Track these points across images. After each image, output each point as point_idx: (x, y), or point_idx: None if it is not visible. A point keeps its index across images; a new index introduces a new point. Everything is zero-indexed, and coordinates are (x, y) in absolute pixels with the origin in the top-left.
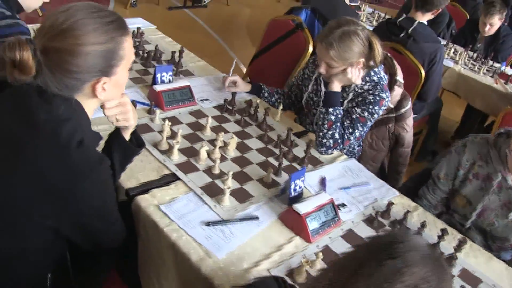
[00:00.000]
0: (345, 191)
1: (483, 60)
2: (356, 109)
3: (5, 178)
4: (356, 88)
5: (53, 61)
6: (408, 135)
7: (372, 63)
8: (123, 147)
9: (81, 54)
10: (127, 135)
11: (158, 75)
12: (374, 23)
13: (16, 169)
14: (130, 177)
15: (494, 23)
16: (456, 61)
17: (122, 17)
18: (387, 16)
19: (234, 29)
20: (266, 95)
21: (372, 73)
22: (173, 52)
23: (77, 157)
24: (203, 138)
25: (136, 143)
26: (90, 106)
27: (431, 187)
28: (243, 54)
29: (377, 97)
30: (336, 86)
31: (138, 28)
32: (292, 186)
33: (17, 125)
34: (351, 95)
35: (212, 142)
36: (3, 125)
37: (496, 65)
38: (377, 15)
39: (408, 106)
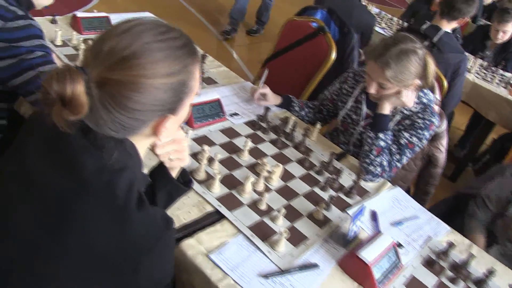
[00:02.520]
0: (398, 228)
1: (493, 68)
2: (404, 133)
3: (47, 250)
4: (403, 110)
5: (110, 96)
6: (442, 156)
7: (422, 83)
8: (169, 187)
9: (148, 88)
10: (174, 172)
11: None
12: (383, 25)
13: (61, 239)
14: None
15: (508, 30)
16: (469, 69)
17: (189, 37)
18: (395, 18)
19: (226, 18)
20: (297, 108)
21: (421, 94)
22: None
23: (140, 223)
24: (241, 163)
25: (183, 181)
26: (144, 146)
27: (481, 206)
28: (239, 48)
29: (427, 121)
30: (387, 109)
31: None
32: (351, 227)
33: (59, 178)
34: (398, 118)
35: (251, 167)
36: (42, 178)
37: (507, 74)
38: (384, 16)
39: (444, 125)
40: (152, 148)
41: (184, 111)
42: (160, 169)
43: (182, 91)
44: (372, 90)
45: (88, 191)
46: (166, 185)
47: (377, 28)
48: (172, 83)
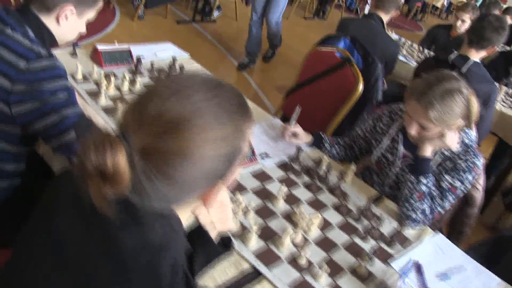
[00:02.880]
0: (446, 282)
1: None
2: (445, 176)
3: None
4: (443, 151)
5: (155, 167)
6: (478, 195)
7: (465, 123)
8: (208, 249)
9: (198, 158)
10: (213, 233)
11: None
12: (404, 52)
13: None
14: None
15: None
16: None
17: (240, 93)
18: (415, 45)
19: (243, 46)
20: (327, 146)
21: (463, 134)
22: None
23: None
24: (276, 211)
25: (222, 242)
26: (187, 214)
27: None
28: (256, 74)
29: (470, 164)
30: (429, 151)
31: (174, 59)
32: (399, 285)
33: (96, 257)
34: (438, 159)
35: (287, 216)
36: (76, 256)
37: None
38: (405, 43)
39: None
40: (193, 211)
41: (233, 174)
42: (199, 230)
43: (233, 156)
44: (413, 131)
45: (128, 273)
46: (205, 247)
47: (399, 56)
48: (224, 149)
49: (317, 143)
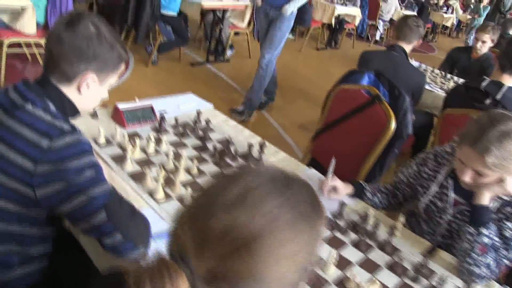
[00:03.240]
0: None
1: None
2: (507, 223)
3: None
4: (501, 195)
5: None
6: None
7: None
8: None
9: (273, 278)
10: None
11: None
12: (428, 79)
13: None
14: None
15: None
16: None
17: (309, 184)
18: (436, 70)
19: None
20: (369, 195)
21: None
22: (251, 146)
23: None
24: (328, 278)
25: None
26: None
27: None
28: (276, 112)
29: None
30: (487, 199)
31: (199, 113)
32: None
33: None
34: (496, 205)
35: (341, 283)
36: None
37: None
38: (426, 70)
39: None
40: None
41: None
42: None
43: (309, 263)
44: (467, 178)
45: None
46: None
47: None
48: (299, 261)
49: (358, 193)
